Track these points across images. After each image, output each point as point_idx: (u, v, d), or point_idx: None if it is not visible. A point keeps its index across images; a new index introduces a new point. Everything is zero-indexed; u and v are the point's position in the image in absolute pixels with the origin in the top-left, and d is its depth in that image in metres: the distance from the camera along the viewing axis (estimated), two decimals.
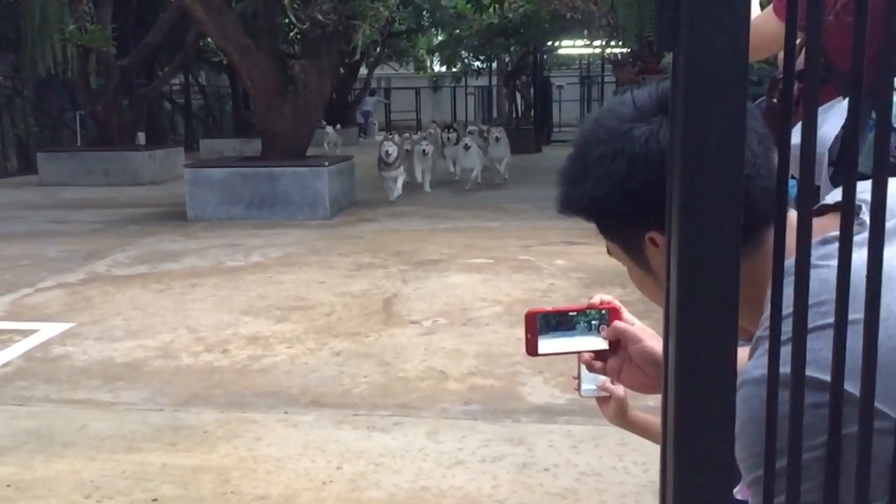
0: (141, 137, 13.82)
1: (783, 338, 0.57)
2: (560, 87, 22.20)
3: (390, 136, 8.91)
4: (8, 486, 2.43)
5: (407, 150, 9.71)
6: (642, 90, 0.88)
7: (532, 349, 1.19)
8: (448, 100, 27.13)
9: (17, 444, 2.73)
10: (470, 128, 12.65)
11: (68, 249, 6.37)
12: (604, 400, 1.27)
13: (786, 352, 0.57)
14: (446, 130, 12.06)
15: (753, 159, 0.82)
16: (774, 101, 2.19)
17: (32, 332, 4.06)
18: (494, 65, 21.54)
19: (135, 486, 2.42)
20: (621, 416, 1.27)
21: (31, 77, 14.40)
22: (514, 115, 19.36)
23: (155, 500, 2.33)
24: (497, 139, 10.36)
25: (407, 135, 13.87)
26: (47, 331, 4.07)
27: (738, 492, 1.06)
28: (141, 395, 3.20)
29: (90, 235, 7.13)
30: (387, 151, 8.43)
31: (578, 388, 1.26)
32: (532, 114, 18.57)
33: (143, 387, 3.29)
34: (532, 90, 18.88)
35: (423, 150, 9.68)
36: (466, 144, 9.78)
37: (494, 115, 21.79)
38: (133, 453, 2.65)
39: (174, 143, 16.05)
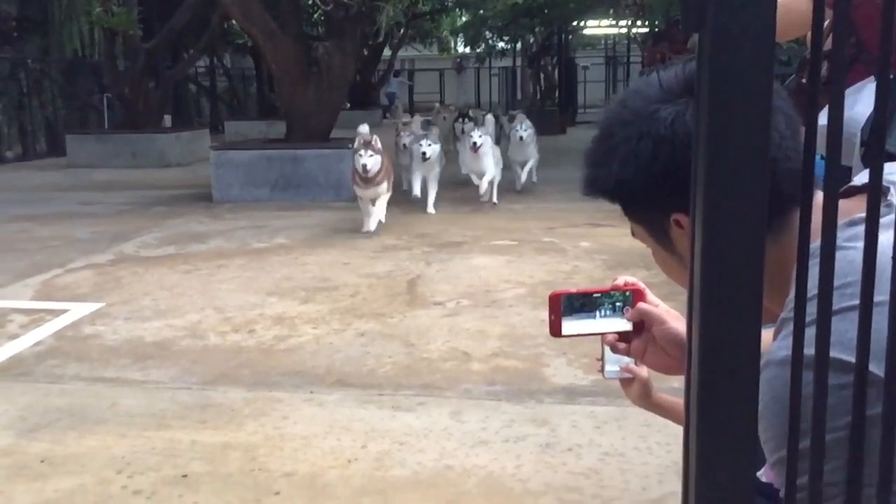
0: (167, 120, 13.93)
1: (808, 319, 0.57)
2: (585, 67, 22.00)
3: (369, 141, 5.87)
4: (42, 461, 2.49)
5: (404, 146, 7.57)
6: (668, 71, 0.88)
7: (556, 330, 1.19)
8: (472, 81, 27.01)
9: (49, 420, 2.80)
10: (486, 114, 9.62)
11: (97, 230, 6.45)
12: (627, 381, 1.27)
13: (810, 333, 0.57)
14: (460, 120, 9.58)
15: (780, 141, 0.81)
16: (804, 81, 2.16)
17: (63, 311, 4.13)
18: (519, 45, 21.37)
19: (165, 462, 2.47)
20: (645, 398, 1.27)
21: (58, 60, 14.55)
22: (539, 97, 19.23)
23: (184, 475, 2.37)
24: (521, 139, 7.72)
25: (439, 110, 11.60)
26: (78, 310, 4.14)
27: (763, 474, 1.07)
28: (170, 373, 3.25)
29: (118, 217, 7.22)
30: (364, 165, 5.72)
31: (602, 370, 1.26)
32: (556, 95, 18.43)
33: (171, 366, 3.34)
34: (557, 71, 18.73)
35: (424, 154, 6.78)
36: (475, 143, 7.00)
37: (518, 96, 21.63)
38: (163, 430, 2.70)
39: (199, 125, 16.16)
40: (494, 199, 7.27)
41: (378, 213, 6.03)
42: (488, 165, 7.13)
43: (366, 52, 18.24)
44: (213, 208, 7.58)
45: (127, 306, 4.22)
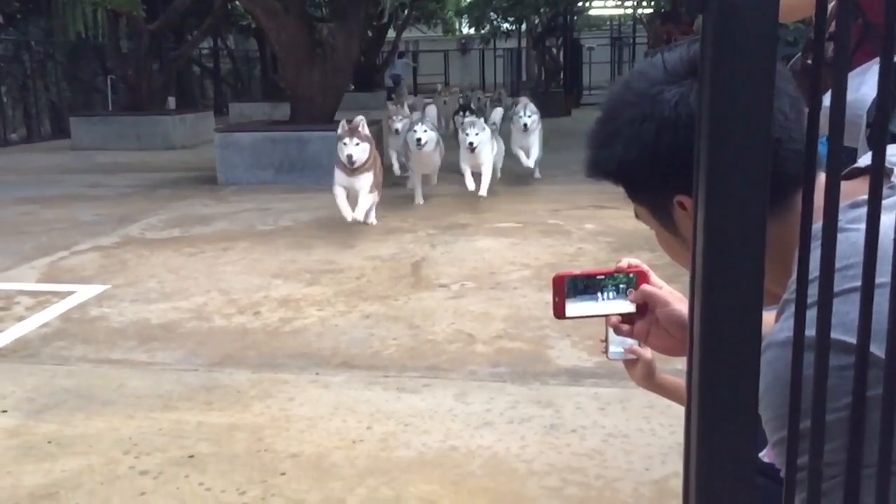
0: (171, 102, 13.92)
1: (810, 301, 0.57)
2: (590, 48, 21.89)
3: (356, 127, 5.23)
4: (49, 442, 2.51)
5: (396, 131, 6.98)
6: (673, 52, 0.88)
7: (559, 312, 1.20)
8: (477, 63, 26.88)
9: (57, 402, 2.82)
10: (495, 106, 8.82)
11: (102, 213, 6.47)
12: (631, 363, 1.28)
13: (812, 315, 0.57)
14: (460, 113, 8.79)
15: (785, 122, 0.81)
16: (809, 62, 2.15)
17: (69, 293, 4.15)
18: (524, 27, 21.26)
19: (171, 443, 2.49)
20: (648, 379, 1.28)
21: (62, 42, 14.54)
22: (544, 78, 19.14)
23: (191, 456, 2.39)
24: (525, 126, 7.08)
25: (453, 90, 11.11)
26: (84, 293, 4.16)
27: (765, 455, 1.07)
28: (176, 355, 3.27)
29: (123, 199, 7.23)
30: (350, 156, 5.13)
31: (606, 351, 1.27)
32: (561, 76, 18.35)
33: (177, 347, 3.36)
34: (562, 52, 18.63)
35: (419, 141, 6.09)
36: (471, 144, 6.20)
37: (523, 77, 21.54)
38: (169, 412, 2.72)
39: (204, 107, 16.13)
40: (483, 192, 6.28)
41: (362, 207, 5.27)
42: (486, 161, 6.41)
43: (370, 34, 18.16)
44: (217, 191, 7.58)
45: (132, 288, 4.24)
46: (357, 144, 5.14)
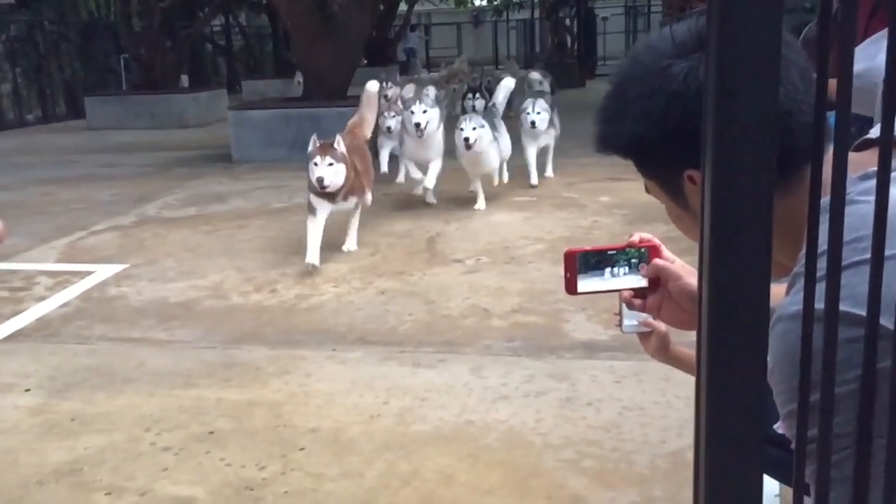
0: (184, 80, 13.93)
1: (819, 274, 0.57)
2: (605, 18, 21.62)
3: (329, 145, 4.14)
4: (72, 420, 2.56)
5: (388, 129, 5.87)
6: (682, 25, 0.87)
7: (571, 288, 1.20)
8: (489, 35, 26.65)
9: (79, 380, 2.86)
10: (491, 79, 7.68)
11: (119, 193, 6.51)
12: (645, 335, 1.27)
13: (822, 288, 0.57)
14: (469, 96, 7.51)
15: (795, 94, 0.80)
16: None
17: (88, 273, 4.20)
18: None
19: (192, 419, 2.52)
20: (663, 351, 1.28)
21: (75, 22, 14.55)
22: (557, 50, 18.95)
23: (211, 432, 2.43)
24: (533, 125, 5.90)
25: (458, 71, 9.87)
26: (103, 272, 4.21)
27: (780, 426, 1.08)
28: (194, 333, 3.31)
29: (139, 179, 7.27)
30: (320, 179, 4.06)
31: (620, 325, 1.27)
32: (576, 47, 18.16)
33: (196, 325, 3.39)
34: (576, 23, 18.43)
35: (418, 125, 5.10)
36: (468, 140, 4.98)
37: (537, 49, 21.34)
38: (189, 389, 2.76)
39: (217, 84, 16.12)
40: (480, 206, 5.34)
41: (353, 234, 4.49)
42: (490, 161, 5.30)
43: (381, 7, 18.02)
44: (232, 169, 7.60)
45: (151, 267, 4.28)
46: (330, 165, 4.08)
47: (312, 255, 4.06)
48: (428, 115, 5.15)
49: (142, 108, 11.84)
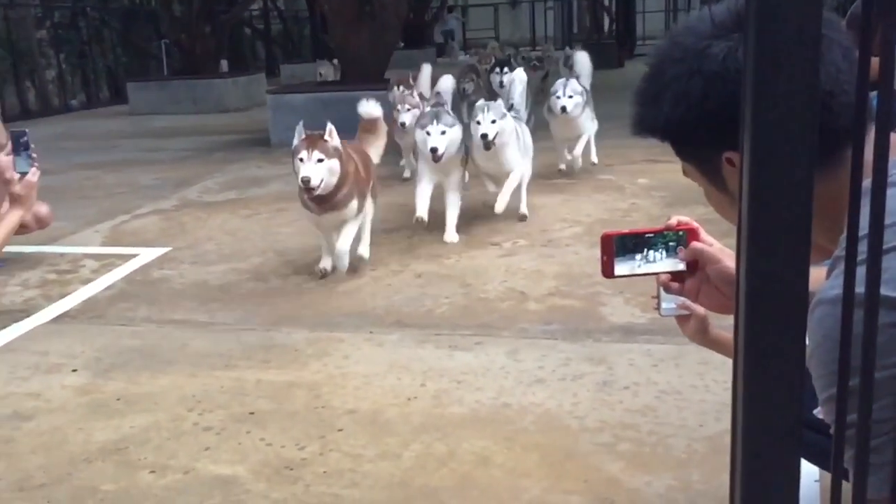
0: (224, 65, 14.05)
1: (860, 258, 0.57)
2: None
3: (315, 139, 3.46)
4: (118, 399, 2.62)
5: (403, 125, 5.13)
6: (721, 5, 0.86)
7: (608, 272, 1.20)
8: (527, 16, 26.40)
9: (123, 361, 2.93)
10: (515, 63, 6.84)
11: (161, 177, 6.61)
12: (684, 318, 1.26)
13: (862, 272, 0.56)
14: (497, 70, 6.67)
15: (837, 74, 0.79)
16: None
17: (132, 256, 4.28)
18: None
19: (232, 400, 2.57)
20: (702, 334, 1.27)
21: (117, 8, 14.75)
22: (596, 30, 18.72)
23: (252, 413, 2.47)
24: (564, 111, 5.12)
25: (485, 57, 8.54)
26: (146, 255, 4.29)
27: (820, 411, 1.06)
28: (235, 315, 3.36)
29: (180, 163, 7.37)
30: (306, 179, 3.39)
31: (658, 308, 1.26)
32: (614, 26, 17.93)
33: (236, 307, 3.44)
34: (614, 1, 18.18)
35: (435, 151, 4.12)
36: (486, 137, 4.21)
37: (575, 30, 21.11)
38: (230, 370, 2.80)
39: (255, 69, 16.24)
40: (499, 208, 4.34)
41: (344, 243, 3.61)
42: (513, 161, 4.37)
43: None
44: (271, 152, 7.67)
45: (192, 250, 4.35)
46: (320, 161, 3.39)
47: (326, 261, 3.73)
48: (447, 136, 4.14)
49: (182, 92, 11.99)
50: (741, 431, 0.61)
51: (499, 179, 4.46)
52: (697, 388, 2.46)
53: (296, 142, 3.52)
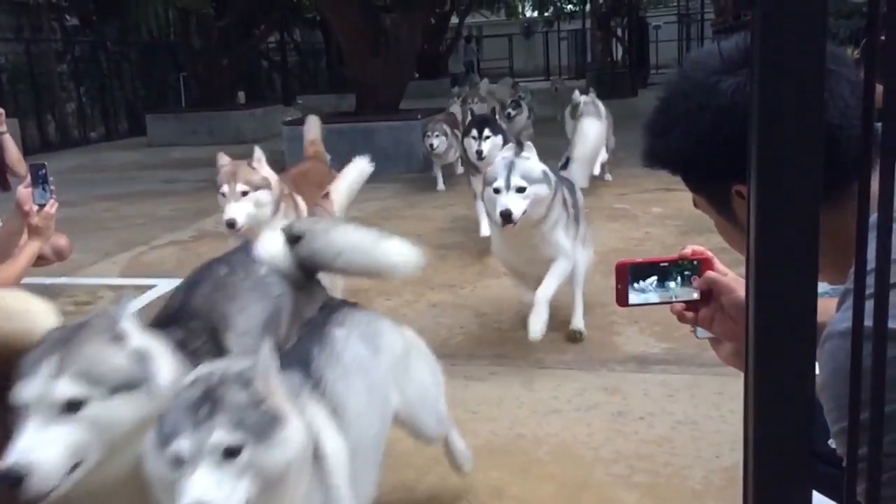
0: (241, 96, 14.23)
1: (869, 291, 0.57)
2: (657, 27, 21.43)
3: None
4: None
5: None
6: (730, 40, 0.87)
7: (622, 300, 1.20)
8: (541, 46, 26.63)
9: None
10: (522, 97, 6.92)
11: (178, 208, 6.68)
12: (718, 341, 1.25)
13: (871, 305, 0.57)
14: (473, 132, 4.81)
15: (845, 108, 0.80)
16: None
17: (150, 287, 4.31)
18: (588, 7, 20.96)
19: None
20: (737, 356, 1.25)
21: (136, 42, 15.00)
22: (610, 59, 18.84)
23: None
24: (519, 192, 2.90)
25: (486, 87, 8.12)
26: (163, 286, 4.32)
27: (833, 442, 1.06)
28: None
29: (198, 194, 7.44)
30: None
31: (694, 330, 1.24)
32: (627, 56, 18.04)
33: None
34: (627, 32, 18.31)
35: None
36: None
37: (588, 59, 21.25)
38: None
39: (272, 100, 16.44)
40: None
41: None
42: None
43: (433, 21, 18.16)
44: None
45: None
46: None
47: None
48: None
49: (200, 124, 12.14)
50: (753, 462, 0.61)
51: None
52: (713, 418, 2.44)
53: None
